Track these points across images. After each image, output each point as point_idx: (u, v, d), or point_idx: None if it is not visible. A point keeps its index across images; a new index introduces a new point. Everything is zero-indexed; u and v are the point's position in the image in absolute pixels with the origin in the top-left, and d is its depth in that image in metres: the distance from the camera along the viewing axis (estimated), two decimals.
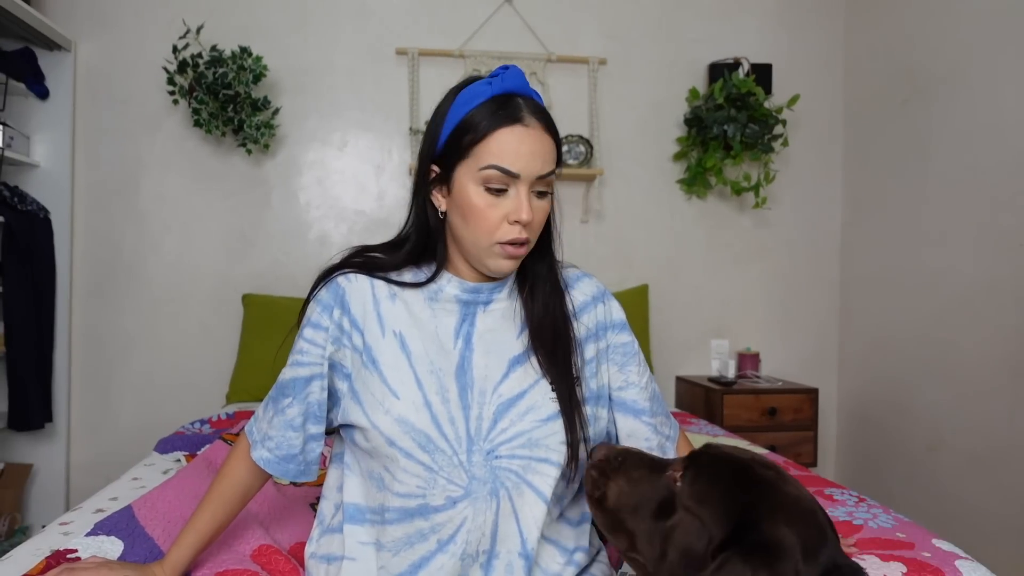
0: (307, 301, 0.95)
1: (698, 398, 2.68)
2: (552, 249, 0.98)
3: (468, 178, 0.85)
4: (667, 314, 2.88)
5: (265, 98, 2.45)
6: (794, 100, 2.68)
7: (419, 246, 0.94)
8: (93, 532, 1.08)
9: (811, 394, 2.57)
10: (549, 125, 0.87)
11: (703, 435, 1.94)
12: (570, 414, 0.89)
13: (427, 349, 0.89)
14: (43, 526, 2.33)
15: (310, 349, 0.92)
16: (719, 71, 2.74)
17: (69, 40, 2.46)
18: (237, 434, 1.64)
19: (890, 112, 2.67)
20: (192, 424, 2.00)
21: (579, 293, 1.00)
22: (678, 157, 2.85)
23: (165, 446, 1.76)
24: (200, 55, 2.38)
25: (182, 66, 2.38)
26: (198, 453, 1.64)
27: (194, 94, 2.38)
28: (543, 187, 0.88)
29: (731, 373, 2.73)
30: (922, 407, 2.48)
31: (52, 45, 2.43)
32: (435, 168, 0.90)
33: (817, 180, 2.96)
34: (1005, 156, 2.15)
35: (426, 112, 2.71)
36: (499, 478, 0.86)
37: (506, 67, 0.88)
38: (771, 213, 2.92)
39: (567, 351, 0.92)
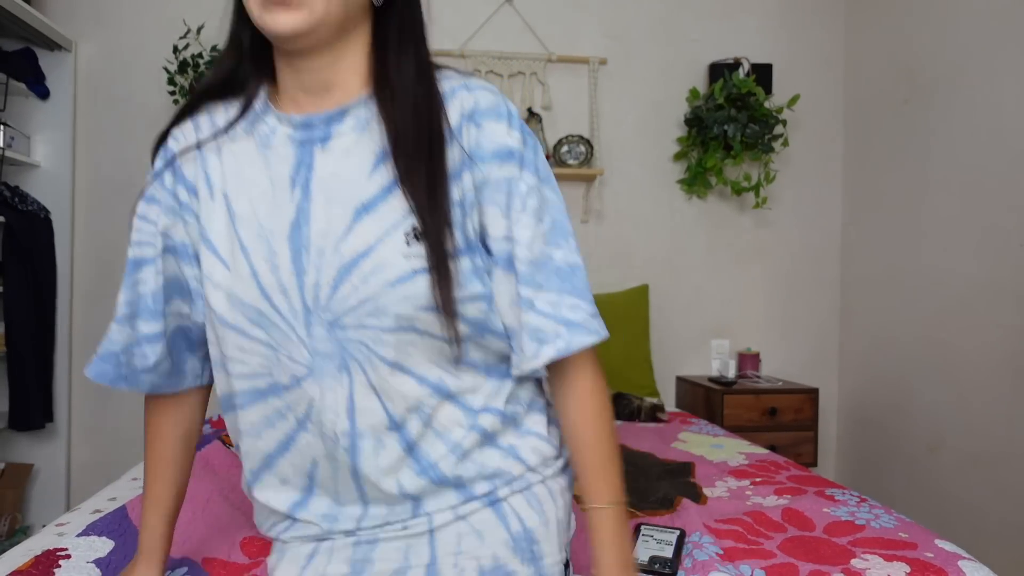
0: None
1: (698, 398, 2.68)
2: (421, 43, 0.81)
3: None
4: (667, 314, 2.88)
5: None
6: (794, 100, 2.68)
7: (232, 62, 0.79)
8: (84, 532, 1.09)
9: (811, 394, 2.57)
10: None
11: (703, 435, 1.94)
12: (439, 268, 0.71)
13: (255, 209, 0.75)
14: (43, 526, 2.33)
15: (142, 227, 0.79)
16: (719, 71, 2.75)
17: (70, 40, 2.46)
18: None
19: (890, 112, 2.67)
20: None
21: (455, 108, 0.77)
22: (678, 157, 2.86)
23: None
24: (201, 55, 2.38)
25: (183, 66, 2.38)
26: (196, 453, 1.64)
27: None
28: None
29: (731, 373, 2.73)
30: (923, 407, 2.48)
31: (53, 45, 2.43)
32: None
33: (817, 180, 2.96)
34: (1006, 156, 2.15)
35: None
36: (348, 351, 0.73)
37: None
38: (771, 213, 2.92)
39: (437, 179, 0.73)
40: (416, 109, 0.73)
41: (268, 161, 0.76)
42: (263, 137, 0.77)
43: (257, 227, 0.75)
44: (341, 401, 0.74)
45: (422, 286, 0.71)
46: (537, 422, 0.84)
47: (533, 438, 0.83)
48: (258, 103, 0.78)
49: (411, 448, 0.76)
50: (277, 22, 0.68)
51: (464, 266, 0.74)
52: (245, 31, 0.77)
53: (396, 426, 0.75)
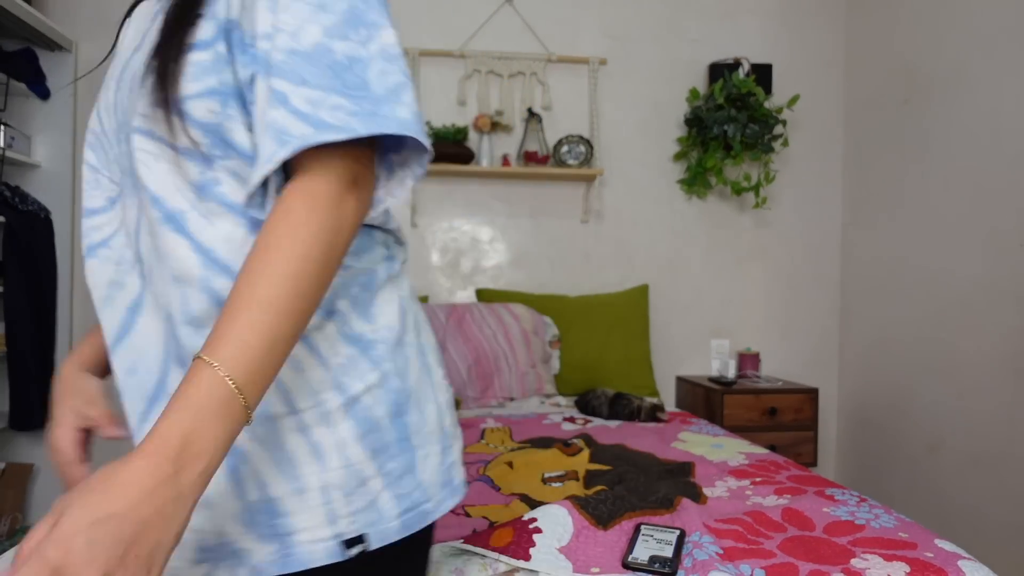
0: None
1: (698, 398, 2.68)
2: None
3: None
4: (667, 314, 2.88)
5: None
6: (794, 100, 2.68)
7: None
8: None
9: (811, 394, 2.57)
10: None
11: (703, 435, 1.94)
12: (163, 56, 0.63)
13: (125, 46, 0.73)
14: None
15: None
16: (719, 71, 2.75)
17: (70, 40, 2.46)
18: None
19: (890, 112, 2.67)
20: None
21: None
22: (678, 157, 2.86)
23: None
24: None
25: None
26: None
27: None
28: None
29: (731, 373, 2.73)
30: (922, 407, 2.48)
31: (53, 45, 2.43)
32: None
33: (817, 180, 2.97)
34: (1005, 156, 2.15)
35: (427, 112, 2.71)
36: (133, 164, 0.66)
37: None
38: (771, 213, 2.93)
39: None
40: None
41: (152, 5, 0.72)
42: None
43: (124, 59, 0.71)
44: (132, 221, 0.68)
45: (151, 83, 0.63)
46: (315, 328, 0.65)
47: (299, 347, 0.64)
48: None
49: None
50: None
51: (202, 58, 0.62)
52: None
53: (159, 257, 0.68)
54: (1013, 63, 2.13)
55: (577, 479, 1.46)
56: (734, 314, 2.93)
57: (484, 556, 1.02)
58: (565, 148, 2.66)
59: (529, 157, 2.66)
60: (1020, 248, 2.10)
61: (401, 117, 0.60)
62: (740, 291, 2.93)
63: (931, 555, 1.02)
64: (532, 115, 2.70)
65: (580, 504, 1.19)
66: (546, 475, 1.48)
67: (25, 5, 2.18)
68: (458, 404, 2.16)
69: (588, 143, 2.67)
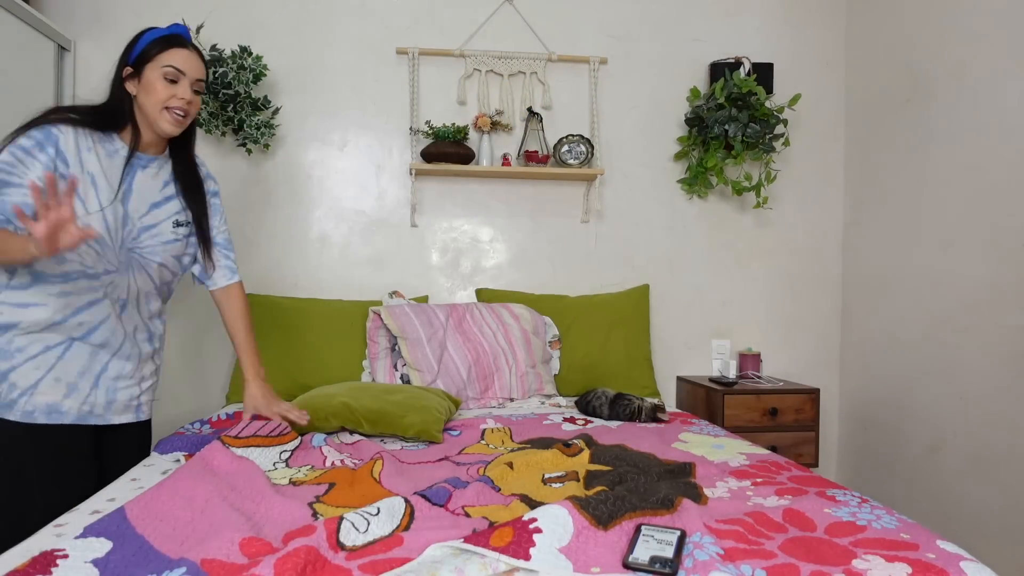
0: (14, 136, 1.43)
1: (699, 398, 2.67)
2: (192, 145, 1.71)
3: (154, 73, 1.52)
4: (668, 314, 2.88)
5: (265, 98, 2.45)
6: (795, 99, 2.68)
7: (108, 115, 1.55)
8: (83, 535, 1.08)
9: (812, 394, 2.57)
10: (200, 53, 1.59)
11: (704, 435, 1.94)
12: (201, 233, 1.72)
13: (102, 185, 1.52)
14: None
15: (16, 164, 1.41)
16: (720, 70, 2.74)
17: (69, 40, 2.46)
18: (237, 435, 1.64)
19: (892, 111, 2.67)
20: (192, 424, 2.00)
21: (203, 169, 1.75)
22: (679, 157, 2.85)
23: (165, 447, 1.75)
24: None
25: None
26: (195, 454, 1.63)
27: None
28: (198, 88, 1.58)
29: (732, 373, 2.73)
30: (924, 408, 2.48)
31: None
32: (129, 68, 1.53)
33: (818, 180, 2.96)
34: (1007, 156, 2.15)
35: (426, 111, 2.71)
36: (132, 262, 1.60)
37: (176, 24, 1.57)
38: (772, 213, 2.92)
39: (200, 194, 1.71)
40: (184, 166, 1.69)
41: (112, 163, 1.56)
42: (110, 151, 1.56)
43: (108, 193, 1.54)
44: (124, 285, 1.61)
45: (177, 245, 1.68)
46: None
47: None
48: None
49: None
50: (167, 130, 1.57)
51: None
52: (127, 101, 1.56)
53: (139, 302, 1.67)
54: (1014, 62, 2.12)
55: (577, 480, 1.45)
56: (735, 314, 2.93)
57: (484, 556, 1.02)
58: (565, 148, 2.66)
59: (529, 157, 2.65)
60: (1022, 248, 2.09)
61: None
62: (741, 291, 2.93)
63: (933, 556, 1.01)
64: (532, 114, 2.69)
65: (580, 504, 1.18)
66: (546, 476, 1.47)
67: (23, 4, 2.17)
68: (458, 404, 2.16)
69: (588, 142, 2.67)
